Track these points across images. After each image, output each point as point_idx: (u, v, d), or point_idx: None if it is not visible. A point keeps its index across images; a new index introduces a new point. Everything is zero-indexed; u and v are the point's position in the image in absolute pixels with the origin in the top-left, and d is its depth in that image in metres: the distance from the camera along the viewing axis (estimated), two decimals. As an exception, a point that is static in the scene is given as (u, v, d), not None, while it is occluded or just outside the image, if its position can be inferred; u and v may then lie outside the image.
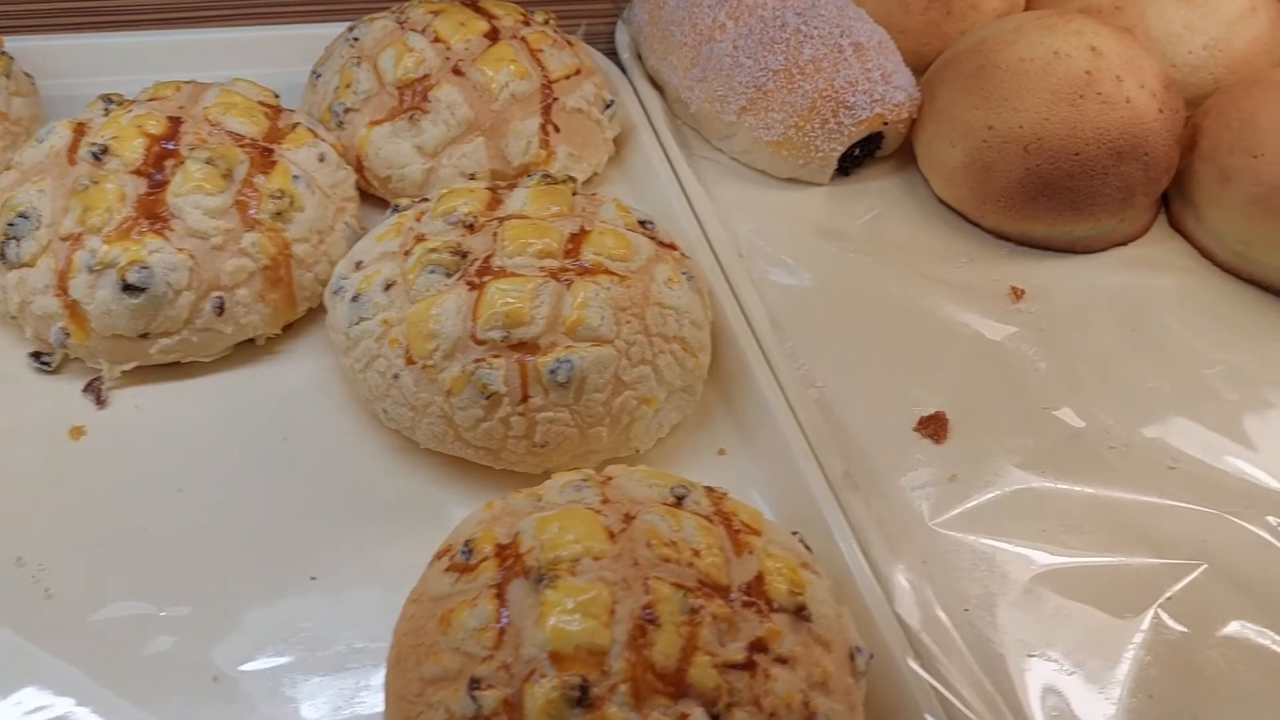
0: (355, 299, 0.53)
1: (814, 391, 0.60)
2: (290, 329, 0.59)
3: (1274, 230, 0.67)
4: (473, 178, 0.60)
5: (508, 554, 0.42)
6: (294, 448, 0.54)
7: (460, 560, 0.43)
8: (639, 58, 0.77)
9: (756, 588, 0.42)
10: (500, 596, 0.41)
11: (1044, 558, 0.53)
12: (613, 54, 0.78)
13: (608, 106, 0.68)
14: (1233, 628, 0.52)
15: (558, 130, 0.65)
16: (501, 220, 0.54)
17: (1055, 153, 0.67)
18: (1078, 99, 0.67)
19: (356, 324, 0.53)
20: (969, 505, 0.55)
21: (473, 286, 0.51)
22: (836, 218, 0.72)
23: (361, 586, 0.49)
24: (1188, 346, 0.66)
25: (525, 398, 0.50)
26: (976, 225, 0.72)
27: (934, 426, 0.59)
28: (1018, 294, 0.68)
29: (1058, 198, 0.68)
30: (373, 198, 0.66)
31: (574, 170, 0.66)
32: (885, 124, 0.71)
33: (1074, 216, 0.69)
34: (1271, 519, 0.56)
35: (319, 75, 0.67)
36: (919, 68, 0.76)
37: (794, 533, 0.48)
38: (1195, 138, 0.73)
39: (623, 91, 0.73)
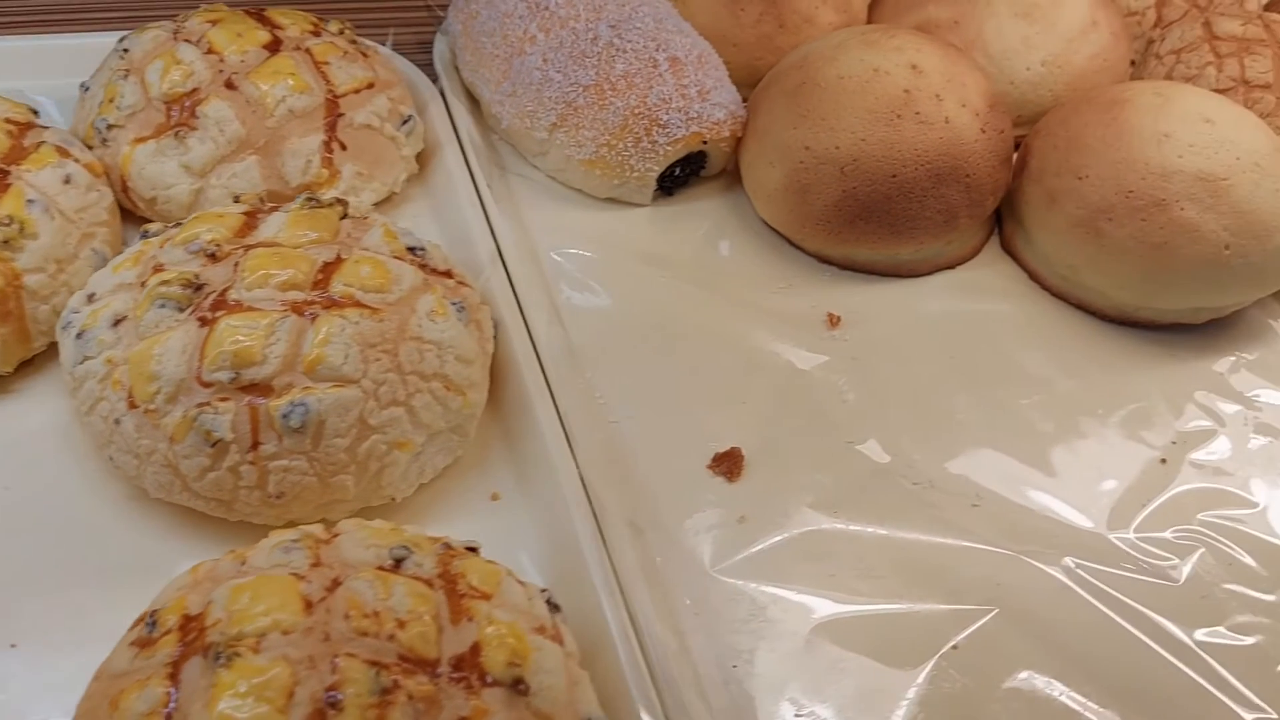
0: (80, 335, 0.49)
1: (609, 427, 0.57)
2: (30, 366, 0.54)
3: (1099, 253, 0.66)
4: (237, 200, 0.56)
5: (192, 627, 0.38)
6: (15, 498, 0.49)
7: (144, 634, 0.39)
8: (456, 70, 0.73)
9: (470, 660, 0.39)
10: (174, 676, 0.37)
11: (827, 606, 0.51)
12: (431, 66, 0.74)
13: (405, 122, 0.64)
14: (1020, 678, 0.50)
15: (344, 148, 0.61)
16: (247, 249, 0.50)
17: (872, 175, 0.65)
18: (895, 119, 0.64)
19: (81, 363, 0.48)
20: (754, 550, 0.52)
21: (204, 323, 0.47)
22: (657, 240, 0.69)
23: (68, 654, 0.45)
24: (1006, 375, 0.64)
25: (256, 445, 0.46)
26: (800, 248, 0.69)
27: (728, 464, 0.56)
28: (834, 321, 0.65)
29: (876, 221, 0.66)
30: (141, 221, 0.61)
31: (364, 190, 0.62)
32: (705, 143, 0.68)
33: (895, 240, 0.66)
34: (1069, 560, 0.54)
35: (87, 89, 0.62)
36: (752, 83, 0.74)
37: (543, 590, 0.45)
38: (1025, 158, 0.71)
39: (432, 106, 0.69)
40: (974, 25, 0.77)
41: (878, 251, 0.67)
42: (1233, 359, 0.67)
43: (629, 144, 0.66)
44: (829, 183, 0.65)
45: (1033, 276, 0.70)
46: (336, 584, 0.40)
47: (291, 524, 0.47)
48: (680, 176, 0.70)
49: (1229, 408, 0.64)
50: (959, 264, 0.70)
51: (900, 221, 0.65)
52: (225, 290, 0.48)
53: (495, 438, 0.55)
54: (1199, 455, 0.61)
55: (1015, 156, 0.72)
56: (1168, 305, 0.66)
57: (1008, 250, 0.72)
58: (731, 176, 0.73)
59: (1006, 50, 0.76)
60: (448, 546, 0.43)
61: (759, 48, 0.76)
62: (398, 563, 0.41)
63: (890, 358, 0.63)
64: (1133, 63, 0.87)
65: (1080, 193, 0.66)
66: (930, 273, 0.69)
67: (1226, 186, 0.63)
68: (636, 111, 0.66)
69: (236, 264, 0.49)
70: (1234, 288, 0.66)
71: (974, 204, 0.67)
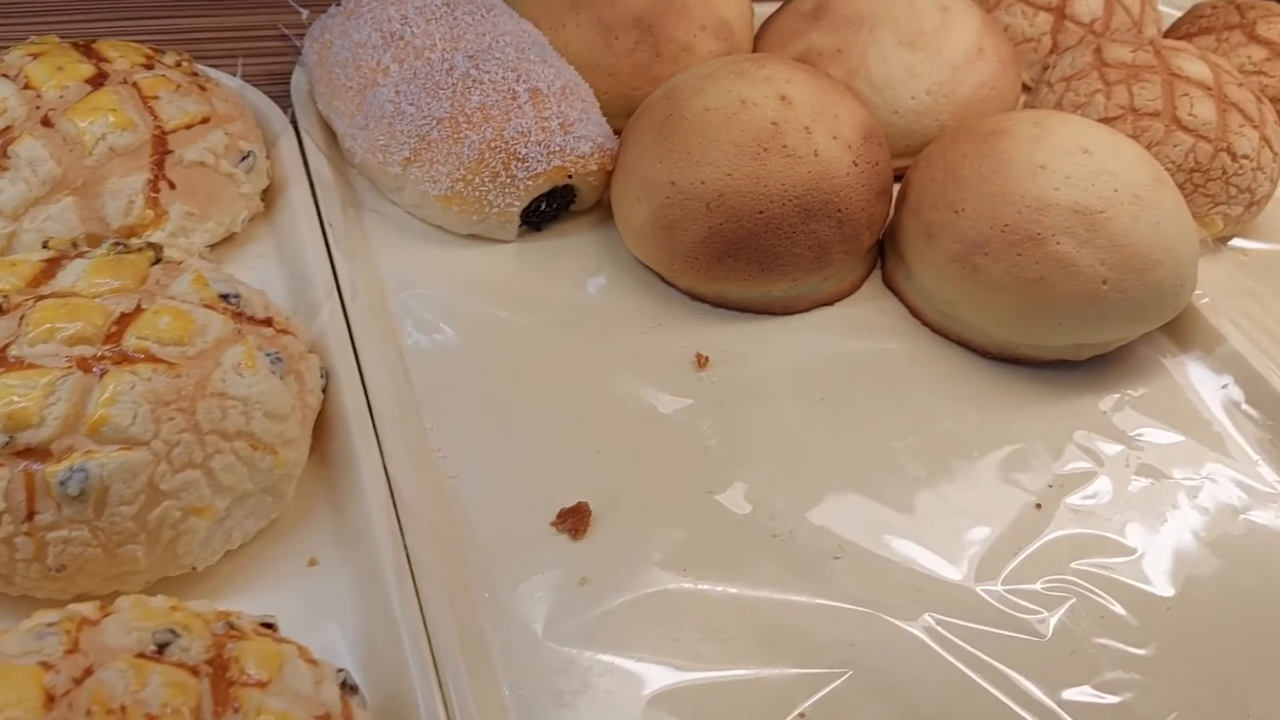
0: None
1: (446, 483, 0.53)
2: None
3: (976, 289, 0.63)
4: (46, 244, 0.52)
5: (-87, 729, 0.34)
6: None
7: None
8: (314, 102, 0.70)
9: (231, 757, 0.35)
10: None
11: (668, 675, 0.47)
12: (288, 98, 0.70)
13: (244, 158, 0.61)
14: (872, 746, 0.47)
15: (173, 187, 0.57)
16: (38, 299, 0.46)
17: (738, 211, 0.62)
18: (762, 152, 0.62)
19: None
20: (593, 614, 0.49)
21: (-24, 383, 0.43)
22: (522, 278, 0.66)
23: None
24: (880, 417, 0.61)
25: (31, 514, 0.42)
26: (673, 286, 0.66)
27: (573, 520, 0.53)
28: (702, 361, 0.62)
29: (746, 258, 0.63)
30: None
31: (197, 231, 0.58)
32: (570, 177, 0.65)
33: (766, 277, 0.64)
34: (930, 617, 0.51)
35: (-103, 127, 0.58)
36: (629, 114, 0.71)
37: (340, 670, 0.41)
38: (906, 190, 0.69)
39: (284, 140, 0.66)
40: (857, 53, 0.75)
41: (749, 289, 0.64)
42: (1117, 396, 0.65)
43: (486, 179, 0.63)
44: (695, 219, 0.62)
45: (914, 312, 0.68)
46: (88, 674, 0.36)
47: (81, 597, 0.44)
48: (548, 211, 0.67)
49: (1110, 448, 0.61)
50: (838, 300, 0.68)
51: (770, 258, 0.63)
52: (6, 346, 0.44)
53: (318, 498, 0.51)
54: (1076, 499, 0.58)
55: (899, 188, 0.70)
56: (1048, 342, 0.64)
57: (890, 285, 0.69)
58: (605, 211, 0.70)
59: (890, 79, 0.74)
60: (231, 625, 0.40)
61: (635, 78, 0.73)
62: (161, 648, 0.37)
63: (759, 400, 0.61)
64: (1027, 89, 0.86)
65: (957, 227, 0.64)
66: (808, 309, 0.67)
67: (1104, 219, 0.62)
68: (493, 145, 0.63)
69: (22, 317, 0.45)
70: (1114, 323, 0.63)
71: (848, 239, 0.64)
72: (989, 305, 0.64)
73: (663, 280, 0.66)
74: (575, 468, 0.55)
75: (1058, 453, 0.60)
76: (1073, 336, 0.64)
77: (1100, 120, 0.75)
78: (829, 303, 0.67)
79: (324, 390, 0.53)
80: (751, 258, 0.63)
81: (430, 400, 0.57)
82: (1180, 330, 0.68)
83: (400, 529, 0.48)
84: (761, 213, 0.62)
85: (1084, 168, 0.63)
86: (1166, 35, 0.91)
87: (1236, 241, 0.78)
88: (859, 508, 0.56)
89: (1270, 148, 0.75)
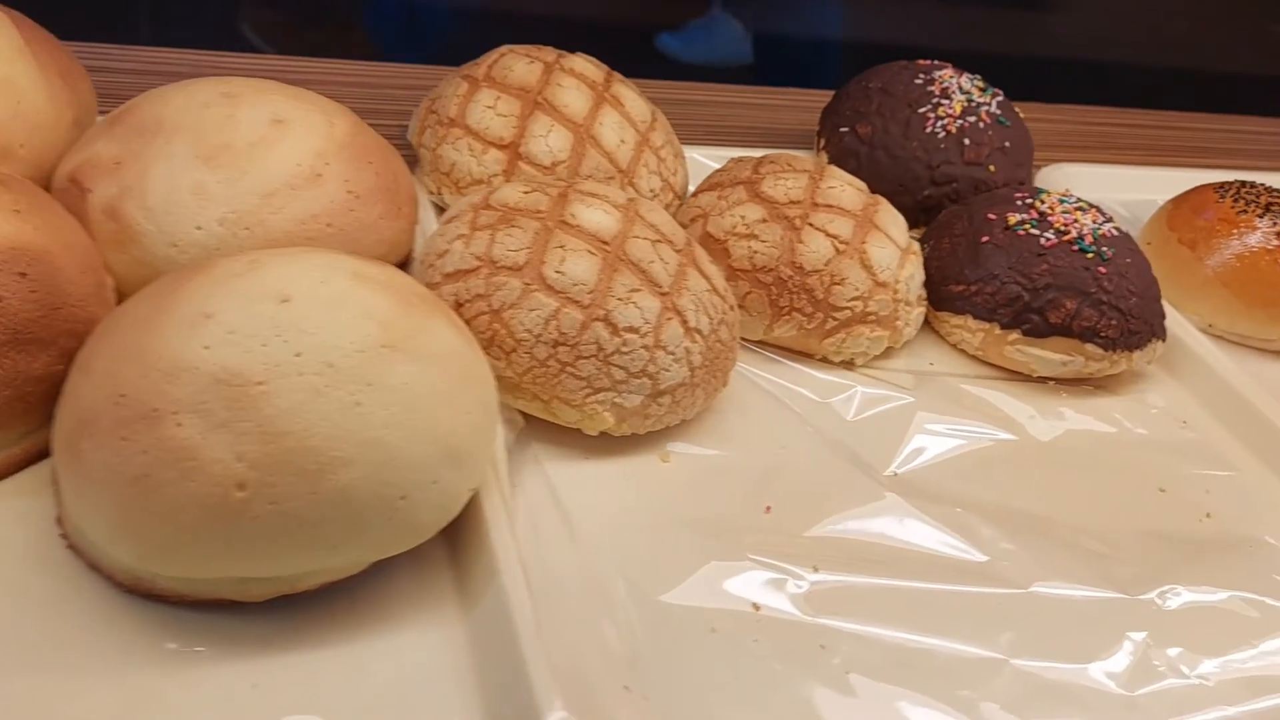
0: None
1: None
2: None
3: (79, 488, 0.43)
4: None
5: None
6: None
7: None
8: None
9: None
10: None
11: None
12: None
13: None
14: None
15: None
16: None
17: None
18: None
19: None
20: None
21: None
22: None
23: None
24: None
25: None
26: None
27: None
28: None
29: None
30: None
31: None
32: None
33: None
34: None
35: None
36: None
37: None
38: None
39: None
40: (138, 168, 0.57)
41: None
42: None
43: None
44: None
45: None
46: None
47: None
48: None
49: None
50: None
51: None
52: None
53: None
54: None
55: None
56: (186, 573, 0.44)
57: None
58: None
59: (171, 203, 0.56)
60: None
61: None
62: None
63: None
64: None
65: (77, 394, 0.45)
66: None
67: (258, 394, 0.42)
68: None
69: None
70: (282, 551, 0.43)
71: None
72: (92, 513, 0.44)
73: None
74: None
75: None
76: (225, 567, 0.44)
77: (454, 272, 0.57)
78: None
79: None
80: None
81: None
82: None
83: None
84: None
85: (263, 320, 0.44)
86: (698, 191, 0.76)
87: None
88: None
89: (685, 322, 0.58)
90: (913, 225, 0.81)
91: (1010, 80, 0.89)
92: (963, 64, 0.87)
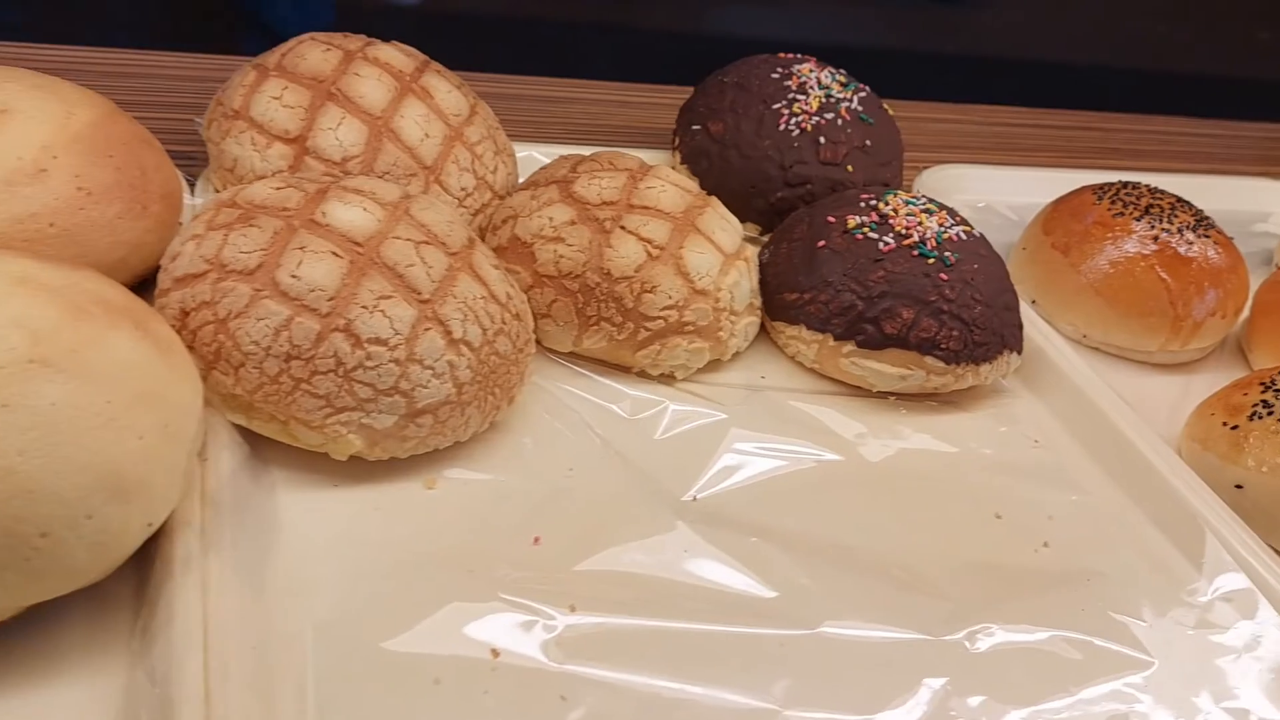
0: None
1: None
2: None
3: None
4: None
5: None
6: None
7: None
8: None
9: None
10: None
11: None
12: None
13: None
14: None
15: None
16: None
17: None
18: None
19: None
20: None
21: None
22: None
23: None
24: None
25: None
26: None
27: None
28: None
29: None
30: None
31: None
32: None
33: None
34: None
35: None
36: None
37: None
38: None
39: None
40: None
41: None
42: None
43: None
44: None
45: None
46: None
47: None
48: None
49: None
50: None
51: None
52: None
53: None
54: None
55: None
56: None
57: None
58: None
59: None
60: None
61: None
62: None
63: None
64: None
65: None
66: None
67: None
68: None
69: None
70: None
71: None
72: None
73: None
74: None
75: None
76: None
77: (183, 277, 0.51)
78: None
79: None
80: None
81: None
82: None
83: None
84: None
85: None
86: (515, 191, 0.70)
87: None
88: None
89: (449, 333, 0.52)
90: (767, 229, 0.76)
91: (921, 79, 0.83)
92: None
